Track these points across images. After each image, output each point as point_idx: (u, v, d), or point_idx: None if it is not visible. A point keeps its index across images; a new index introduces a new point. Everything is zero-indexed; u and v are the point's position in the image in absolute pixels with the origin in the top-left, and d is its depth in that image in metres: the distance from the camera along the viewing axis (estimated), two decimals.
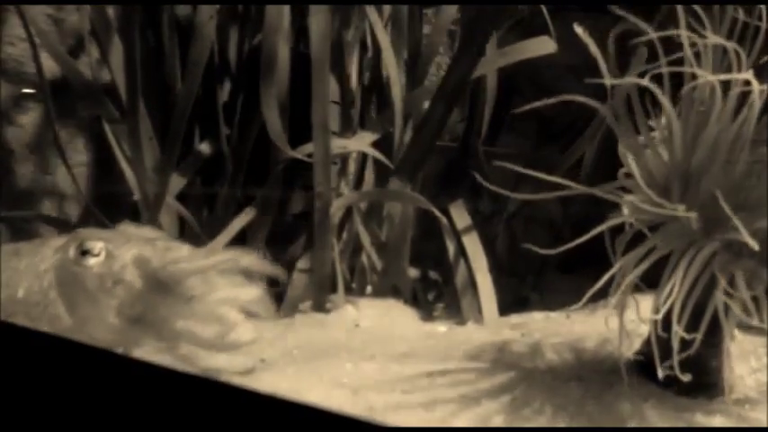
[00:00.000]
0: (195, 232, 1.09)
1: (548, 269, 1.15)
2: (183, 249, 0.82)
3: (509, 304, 1.07)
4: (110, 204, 1.14)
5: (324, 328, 1.03)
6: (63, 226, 1.13)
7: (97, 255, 0.81)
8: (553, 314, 1.04)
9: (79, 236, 0.83)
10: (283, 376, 0.84)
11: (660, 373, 0.73)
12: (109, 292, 0.81)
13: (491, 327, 1.02)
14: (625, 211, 0.74)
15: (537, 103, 0.78)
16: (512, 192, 1.07)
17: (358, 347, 0.94)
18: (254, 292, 0.80)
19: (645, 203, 0.70)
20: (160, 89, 1.13)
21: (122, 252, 0.81)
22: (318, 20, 1.04)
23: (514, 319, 1.05)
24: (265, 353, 0.90)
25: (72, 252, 0.82)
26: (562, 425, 0.75)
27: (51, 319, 0.82)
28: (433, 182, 1.18)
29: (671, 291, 0.71)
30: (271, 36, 1.07)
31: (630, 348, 0.82)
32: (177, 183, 1.12)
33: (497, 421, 0.75)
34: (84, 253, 0.81)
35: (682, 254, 0.71)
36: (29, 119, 1.18)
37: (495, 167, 1.17)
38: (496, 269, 1.08)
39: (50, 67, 1.14)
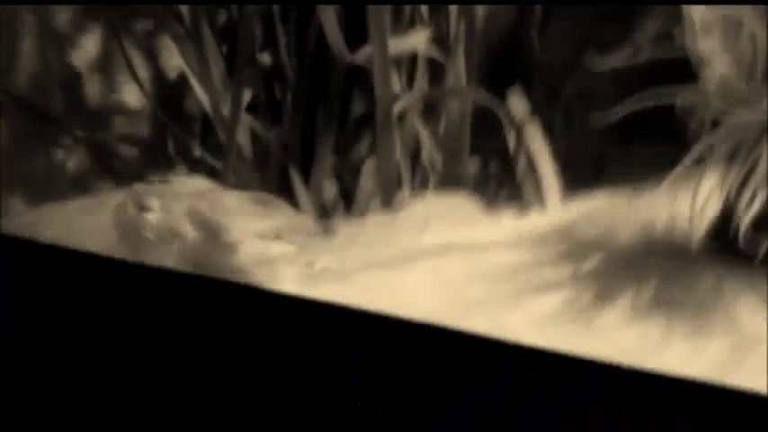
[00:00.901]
0: (265, 145, 1.12)
1: (609, 145, 1.16)
2: (233, 198, 0.90)
3: (571, 186, 1.09)
4: (178, 119, 1.18)
5: (396, 225, 1.05)
6: (138, 143, 1.18)
7: (155, 210, 0.89)
8: (618, 194, 1.05)
9: (137, 193, 0.90)
10: (366, 277, 0.88)
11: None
12: (168, 244, 0.88)
13: (556, 213, 1.04)
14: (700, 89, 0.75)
15: None
16: (568, 75, 1.08)
17: (432, 243, 0.96)
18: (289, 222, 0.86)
19: (722, 84, 0.71)
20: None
21: (177, 206, 0.89)
22: None
23: (579, 204, 1.07)
24: (341, 258, 0.94)
25: (131, 209, 0.90)
26: (644, 305, 0.78)
27: None
28: (486, 73, 1.18)
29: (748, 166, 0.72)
30: None
31: (702, 225, 0.84)
32: (244, 96, 1.14)
33: (584, 303, 0.78)
34: (143, 209, 0.89)
35: (757, 137, 0.72)
36: (91, 39, 1.20)
37: (548, 53, 1.18)
38: (556, 154, 1.10)
39: None
